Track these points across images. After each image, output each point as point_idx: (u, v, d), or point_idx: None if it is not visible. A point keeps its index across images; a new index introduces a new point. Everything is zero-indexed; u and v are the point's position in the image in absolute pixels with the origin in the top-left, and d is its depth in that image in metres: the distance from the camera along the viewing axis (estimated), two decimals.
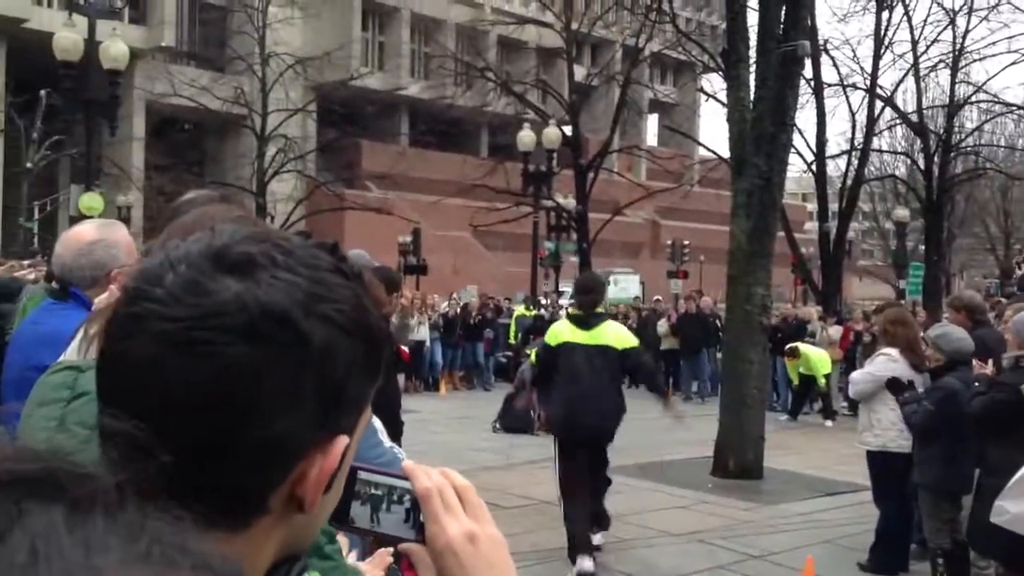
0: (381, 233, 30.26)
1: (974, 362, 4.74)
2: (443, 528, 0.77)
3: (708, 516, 7.56)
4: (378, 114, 35.12)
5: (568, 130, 23.76)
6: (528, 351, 12.62)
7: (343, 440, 0.68)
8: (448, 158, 37.72)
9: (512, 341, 17.80)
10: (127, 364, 0.63)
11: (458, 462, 9.13)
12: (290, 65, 25.82)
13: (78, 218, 15.58)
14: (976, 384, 4.55)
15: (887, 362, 5.73)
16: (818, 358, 13.30)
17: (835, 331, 14.88)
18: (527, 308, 18.80)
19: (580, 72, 27.89)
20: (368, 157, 35.82)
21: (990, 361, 4.69)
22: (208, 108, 27.25)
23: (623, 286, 37.09)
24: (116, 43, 14.78)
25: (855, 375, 6.28)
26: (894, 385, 5.38)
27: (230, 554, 0.53)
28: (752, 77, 10.06)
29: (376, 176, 30.98)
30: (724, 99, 10.93)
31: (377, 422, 2.22)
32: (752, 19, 10.44)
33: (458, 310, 17.49)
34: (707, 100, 26.50)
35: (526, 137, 21.26)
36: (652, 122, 45.00)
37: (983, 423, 4.44)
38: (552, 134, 21.46)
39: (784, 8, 9.70)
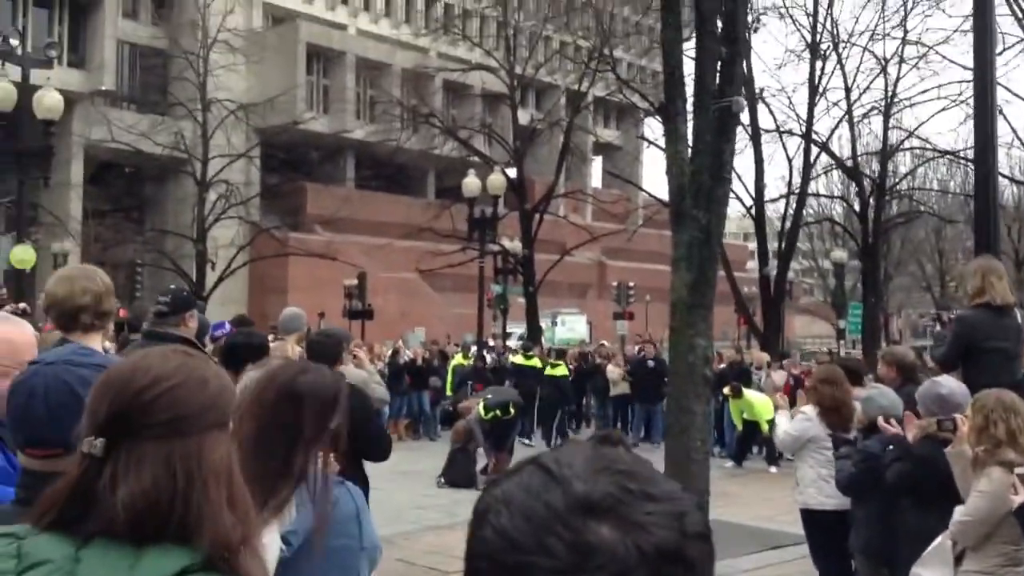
0: (326, 277, 30.02)
1: (880, 421, 4.70)
2: None
3: None
4: (323, 158, 35.08)
5: (513, 174, 23.93)
6: (478, 404, 12.26)
7: None
8: (395, 200, 37.66)
9: (449, 393, 17.07)
10: None
11: (401, 522, 8.96)
12: (232, 111, 25.62)
13: (10, 271, 15.18)
14: (890, 448, 4.54)
15: (803, 421, 5.79)
16: (760, 404, 13.42)
17: (779, 376, 15.04)
18: (465, 356, 18.03)
19: (524, 116, 28.18)
20: (313, 201, 35.60)
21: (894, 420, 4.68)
22: (147, 153, 26.86)
23: (571, 326, 37.22)
24: (51, 93, 14.58)
25: (779, 432, 6.22)
26: (835, 440, 5.42)
27: None
28: (690, 130, 10.22)
29: (322, 220, 30.80)
30: (664, 145, 11.08)
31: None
32: (689, 67, 10.64)
33: (406, 358, 17.05)
34: (648, 146, 26.98)
35: (471, 184, 21.33)
36: (597, 165, 45.57)
37: (898, 492, 4.46)
38: (497, 181, 21.57)
39: (719, 65, 9.90)
